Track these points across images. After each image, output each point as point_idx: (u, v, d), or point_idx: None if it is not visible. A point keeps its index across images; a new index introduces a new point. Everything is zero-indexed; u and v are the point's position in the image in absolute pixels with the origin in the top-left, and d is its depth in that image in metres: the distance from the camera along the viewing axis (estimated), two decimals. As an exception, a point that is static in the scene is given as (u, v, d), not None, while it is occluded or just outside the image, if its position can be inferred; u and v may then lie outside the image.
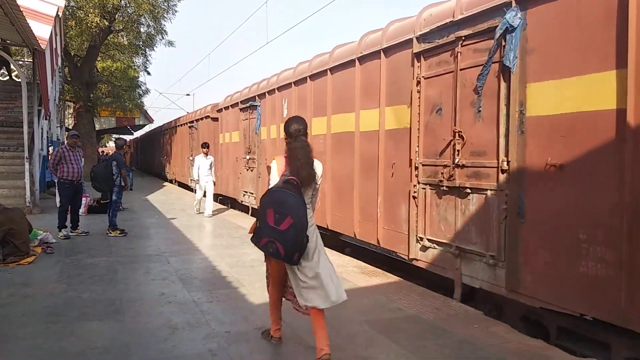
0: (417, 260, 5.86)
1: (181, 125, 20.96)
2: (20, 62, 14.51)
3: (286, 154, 3.61)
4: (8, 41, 12.34)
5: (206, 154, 11.51)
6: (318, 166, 3.66)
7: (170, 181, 23.99)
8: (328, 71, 7.86)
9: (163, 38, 22.78)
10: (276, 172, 3.63)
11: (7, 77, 19.04)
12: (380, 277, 6.08)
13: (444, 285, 6.03)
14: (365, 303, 4.99)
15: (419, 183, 5.76)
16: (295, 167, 3.51)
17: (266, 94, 10.60)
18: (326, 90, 7.93)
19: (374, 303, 5.00)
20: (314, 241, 3.51)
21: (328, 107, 7.90)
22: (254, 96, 11.28)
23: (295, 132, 3.62)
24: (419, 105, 5.75)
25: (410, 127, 5.88)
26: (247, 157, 11.76)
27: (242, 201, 12.59)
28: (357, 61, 7.05)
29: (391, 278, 6.08)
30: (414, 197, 5.81)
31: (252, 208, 11.83)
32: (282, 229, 3.31)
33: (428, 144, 5.65)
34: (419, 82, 5.75)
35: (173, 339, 3.95)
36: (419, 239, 5.80)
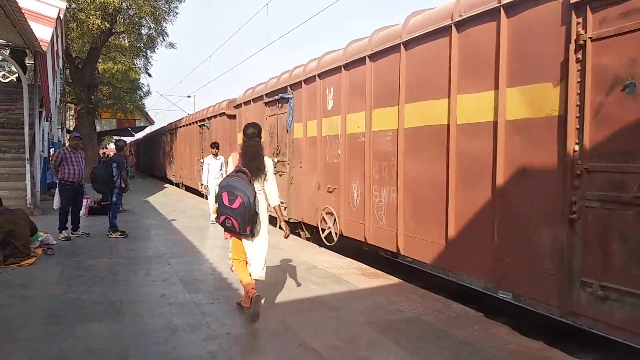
0: (581, 316, 3.97)
1: (189, 124, 19.40)
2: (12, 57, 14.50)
3: (241, 151, 4.65)
4: (10, 43, 12.36)
5: (216, 155, 10.55)
6: (268, 161, 4.69)
7: (177, 185, 22.50)
8: (401, 46, 6.02)
9: (164, 40, 22.82)
10: (232, 165, 4.70)
11: (9, 79, 19.07)
12: (381, 279, 6.08)
13: (445, 287, 6.04)
14: (365, 304, 4.99)
15: (584, 198, 3.86)
16: (247, 161, 4.53)
17: (302, 83, 8.80)
18: (395, 72, 6.12)
19: (374, 304, 5.00)
20: (261, 227, 4.57)
21: (401, 94, 6.03)
22: (285, 87, 9.53)
23: (251, 134, 4.64)
24: (582, 82, 3.87)
25: (564, 115, 4.01)
26: (275, 159, 9.84)
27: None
28: (453, 28, 5.17)
29: (392, 280, 6.08)
30: (574, 220, 3.93)
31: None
32: (234, 207, 4.27)
33: (603, 138, 3.77)
34: (581, 47, 3.87)
35: (173, 341, 3.95)
36: (583, 284, 3.89)
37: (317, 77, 8.30)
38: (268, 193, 4.71)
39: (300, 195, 9.02)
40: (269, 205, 4.76)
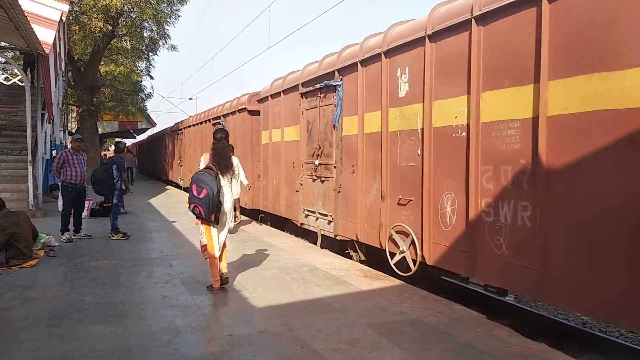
0: None
1: (200, 123, 17.67)
2: (22, 62, 14.56)
3: (211, 152, 5.51)
4: (13, 46, 12.40)
5: None
6: (235, 160, 5.68)
7: (186, 190, 20.39)
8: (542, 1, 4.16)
9: (166, 42, 22.88)
10: (203, 163, 5.58)
11: (12, 81, 19.13)
12: (383, 281, 6.08)
13: (447, 289, 6.03)
14: (367, 306, 4.99)
15: None
16: (216, 160, 5.43)
17: (358, 65, 6.96)
18: (529, 35, 4.30)
19: (376, 306, 5.00)
20: (226, 214, 5.52)
21: (542, 66, 4.15)
22: (331, 72, 7.70)
23: (220, 138, 5.58)
24: None
25: None
26: (316, 162, 8.07)
27: (303, 224, 8.87)
28: None
29: (394, 281, 6.08)
30: None
31: (321, 235, 8.20)
32: (201, 197, 5.15)
33: None
34: None
35: (176, 342, 3.95)
36: None
37: (382, 56, 6.41)
38: (234, 187, 5.63)
39: (353, 207, 7.19)
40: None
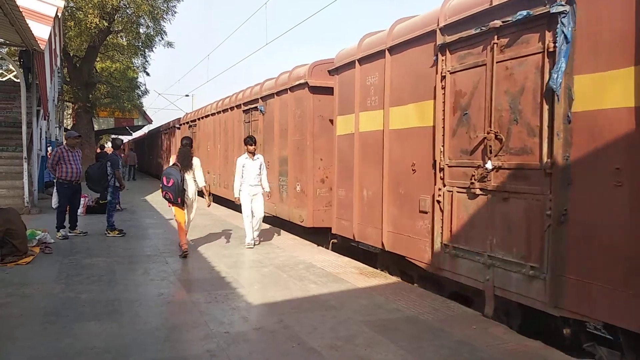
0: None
1: (223, 111, 14.23)
2: (19, 63, 14.49)
3: (177, 154, 7.53)
4: (7, 41, 12.33)
5: (252, 154, 7.82)
6: (196, 160, 7.48)
7: (199, 194, 16.57)
8: None
9: (162, 39, 22.82)
10: (172, 161, 7.82)
11: (6, 77, 19.02)
12: (379, 278, 6.08)
13: (443, 287, 6.03)
14: (364, 304, 5.00)
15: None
16: (180, 160, 7.34)
17: None
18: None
19: (372, 304, 5.01)
20: (190, 199, 7.43)
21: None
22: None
23: (185, 144, 7.54)
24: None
25: None
26: (488, 163, 4.71)
27: (441, 269, 5.46)
28: None
29: (390, 279, 6.09)
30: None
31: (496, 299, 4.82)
32: (169, 185, 7.02)
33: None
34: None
35: (172, 340, 3.95)
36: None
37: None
38: (197, 179, 7.47)
39: (612, 260, 3.70)
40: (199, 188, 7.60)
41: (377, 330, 4.22)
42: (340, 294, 5.32)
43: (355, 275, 6.19)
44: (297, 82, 9.08)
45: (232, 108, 13.36)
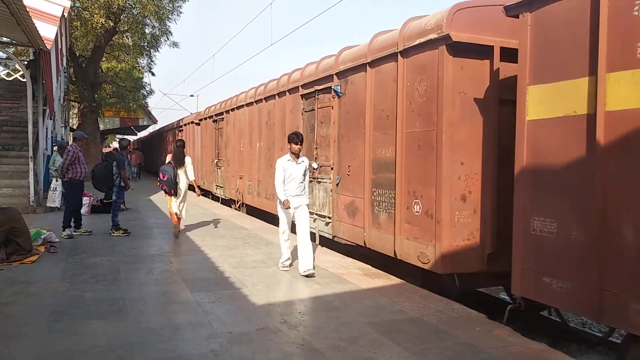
0: None
1: (266, 99, 11.08)
2: (26, 62, 14.59)
3: (172, 153, 9.02)
4: (14, 41, 12.40)
5: (297, 155, 6.18)
6: (187, 158, 8.82)
7: (225, 202, 14.82)
8: None
9: (168, 39, 22.95)
10: (168, 160, 9.08)
11: (13, 77, 19.12)
12: (383, 279, 6.08)
13: (447, 288, 6.02)
14: (367, 305, 4.99)
15: None
16: (174, 159, 8.75)
17: None
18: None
19: (376, 305, 5.00)
20: (182, 191, 8.72)
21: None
22: None
23: (179, 145, 8.97)
24: None
25: None
26: None
27: None
28: None
29: (394, 280, 6.08)
30: None
31: None
32: (165, 180, 8.46)
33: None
34: None
35: (175, 339, 3.96)
36: None
37: None
38: (188, 174, 8.77)
39: None
40: (189, 181, 8.90)
41: (381, 331, 4.21)
42: (344, 295, 5.32)
43: (359, 276, 6.19)
44: (420, 40, 5.69)
45: (281, 94, 10.12)
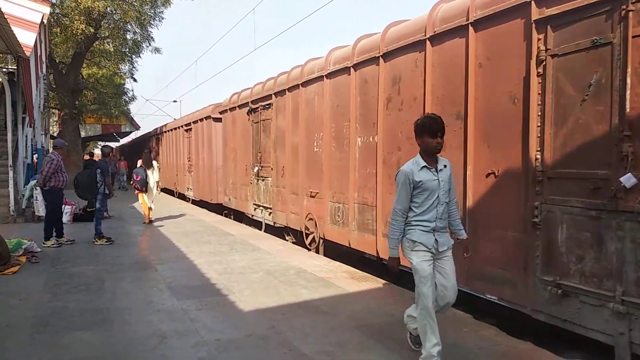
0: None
1: (295, 87, 8.90)
2: (4, 70, 14.34)
3: (142, 158, 11.67)
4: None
5: (434, 158, 3.59)
6: (154, 163, 11.80)
7: (274, 229, 10.22)
8: None
9: (149, 45, 22.74)
10: (139, 164, 11.66)
11: None
12: (371, 282, 6.09)
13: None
14: (355, 308, 5.00)
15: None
16: (144, 162, 11.52)
17: None
18: None
19: (364, 308, 5.01)
20: (151, 187, 11.39)
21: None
22: None
23: (146, 153, 11.85)
24: None
25: None
26: None
27: None
28: None
29: (381, 283, 6.10)
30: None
31: None
32: (138, 180, 11.13)
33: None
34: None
35: (162, 348, 3.91)
36: None
37: None
38: (154, 176, 11.50)
39: None
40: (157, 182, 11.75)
41: (369, 334, 4.22)
42: (332, 299, 5.32)
43: (346, 279, 6.19)
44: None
45: (319, 78, 7.97)
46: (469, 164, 5.08)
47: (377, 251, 6.60)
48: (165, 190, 22.16)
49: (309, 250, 8.22)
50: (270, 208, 10.16)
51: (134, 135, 42.04)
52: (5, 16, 8.31)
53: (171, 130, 21.66)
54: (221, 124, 14.00)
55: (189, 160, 17.92)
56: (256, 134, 10.94)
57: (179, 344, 3.99)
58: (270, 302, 5.17)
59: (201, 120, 16.04)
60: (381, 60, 6.48)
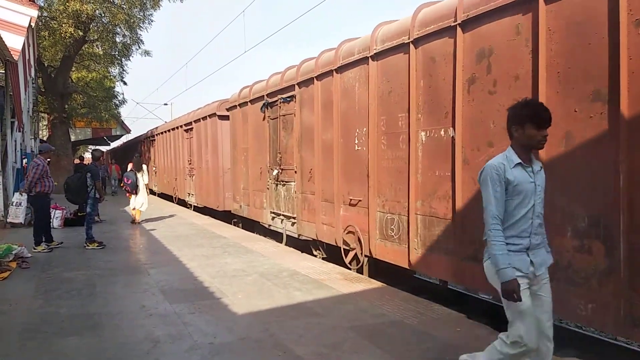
0: None
1: (343, 70, 7.11)
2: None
3: (132, 162, 13.14)
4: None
5: (528, 155, 2.89)
6: (144, 166, 12.91)
7: (295, 242, 8.88)
8: None
9: (139, 48, 22.55)
10: (130, 167, 13.19)
11: None
12: (364, 283, 6.09)
13: (427, 289, 6.08)
14: (349, 309, 4.99)
15: None
16: (134, 166, 12.56)
17: None
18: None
19: (357, 309, 5.01)
20: (140, 189, 11.93)
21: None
22: None
23: (137, 157, 13.30)
24: None
25: None
26: None
27: None
28: None
29: (374, 284, 6.10)
30: None
31: None
32: (128, 182, 11.89)
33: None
34: None
35: (155, 353, 3.88)
36: None
37: None
38: (144, 178, 12.20)
39: None
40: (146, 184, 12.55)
41: (363, 335, 4.22)
42: (325, 301, 5.31)
43: (339, 281, 6.19)
44: None
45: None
46: (622, 163, 3.58)
47: (453, 276, 5.25)
48: (163, 195, 21.49)
49: (349, 269, 6.90)
50: (294, 217, 8.70)
51: (124, 138, 41.80)
52: (-7, 20, 8.22)
53: (168, 131, 20.13)
54: (228, 122, 12.67)
55: (189, 163, 16.67)
56: (274, 132, 9.55)
57: (172, 349, 3.96)
58: (264, 305, 5.15)
59: (204, 118, 14.59)
60: (458, 30, 5.03)
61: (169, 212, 15.31)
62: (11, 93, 12.26)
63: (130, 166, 12.59)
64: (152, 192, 22.82)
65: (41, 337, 4.26)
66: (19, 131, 14.97)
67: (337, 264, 7.24)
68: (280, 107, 9.17)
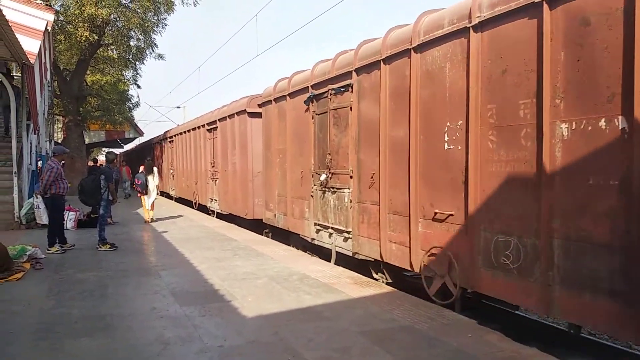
0: None
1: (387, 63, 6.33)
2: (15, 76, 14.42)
3: (144, 165, 14.84)
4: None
5: None
6: (154, 169, 13.86)
7: (356, 264, 7.31)
8: None
9: (153, 51, 22.82)
10: (141, 170, 14.69)
11: None
12: (374, 288, 6.07)
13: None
14: (358, 314, 4.97)
15: None
16: (146, 168, 14.13)
17: None
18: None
19: (367, 314, 4.99)
20: (151, 190, 13.14)
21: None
22: None
23: (148, 160, 15.07)
24: None
25: None
26: None
27: None
28: None
29: (384, 288, 6.07)
30: None
31: None
32: (139, 184, 13.21)
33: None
34: None
35: (165, 355, 3.90)
36: None
37: None
38: (155, 180, 13.33)
39: None
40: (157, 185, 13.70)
41: (373, 340, 4.20)
42: (335, 305, 5.30)
43: (349, 285, 6.17)
44: None
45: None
46: None
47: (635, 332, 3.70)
48: (182, 200, 20.36)
49: (433, 302, 5.48)
50: (348, 232, 7.31)
51: (137, 141, 42.17)
52: (10, 24, 8.37)
53: (188, 131, 18.61)
54: (259, 120, 11.15)
55: (213, 166, 15.22)
56: (321, 130, 8.11)
57: (182, 351, 3.98)
58: (274, 308, 5.16)
59: (231, 116, 13.04)
60: None
61: (179, 214, 15.42)
62: (27, 95, 12.46)
63: (141, 168, 13.96)
64: (169, 196, 22.91)
65: (53, 337, 4.31)
66: (35, 133, 15.18)
67: (346, 268, 7.21)
68: (330, 99, 7.73)
